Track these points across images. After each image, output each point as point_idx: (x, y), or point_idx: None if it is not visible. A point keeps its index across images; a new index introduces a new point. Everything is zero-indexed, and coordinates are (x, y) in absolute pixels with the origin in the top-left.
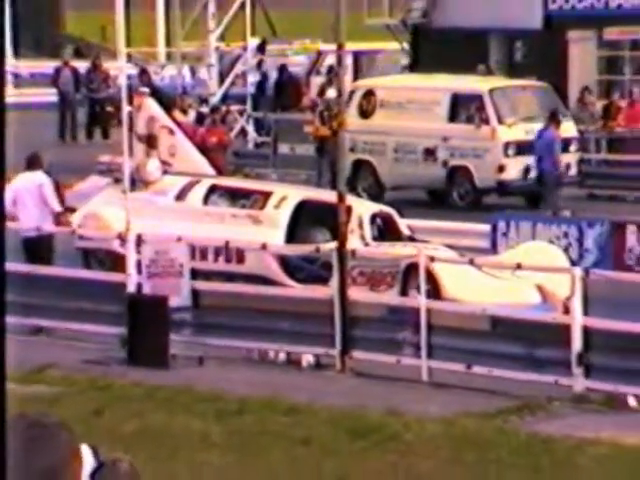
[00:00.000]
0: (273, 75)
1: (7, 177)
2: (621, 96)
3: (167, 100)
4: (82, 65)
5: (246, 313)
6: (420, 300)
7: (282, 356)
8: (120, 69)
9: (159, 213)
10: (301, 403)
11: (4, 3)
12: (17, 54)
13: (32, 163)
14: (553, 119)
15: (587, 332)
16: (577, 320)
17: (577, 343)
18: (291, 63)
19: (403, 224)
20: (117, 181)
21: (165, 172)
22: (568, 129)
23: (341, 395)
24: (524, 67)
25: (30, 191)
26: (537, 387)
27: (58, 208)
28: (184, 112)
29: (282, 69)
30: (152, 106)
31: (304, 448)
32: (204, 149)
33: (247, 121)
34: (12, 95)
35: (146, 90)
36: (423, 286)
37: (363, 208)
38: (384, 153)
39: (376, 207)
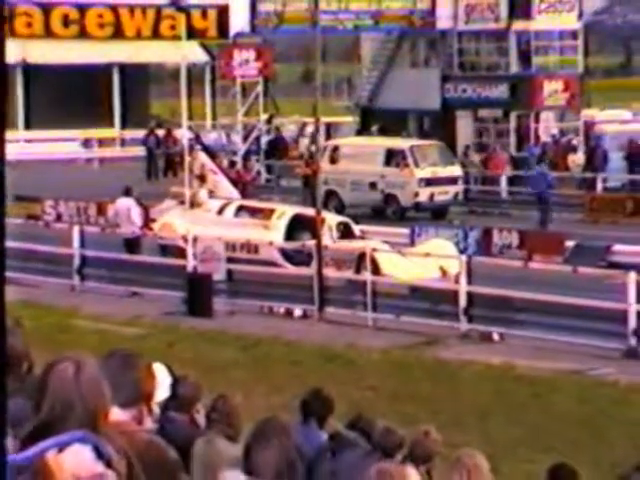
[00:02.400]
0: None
1: (111, 200)
2: (493, 151)
3: (212, 154)
4: (161, 132)
5: (260, 284)
6: (367, 276)
7: (282, 310)
8: (183, 135)
9: (207, 223)
10: (294, 340)
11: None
12: (124, 127)
13: (126, 192)
14: (544, 162)
15: (469, 295)
16: (463, 287)
17: (463, 301)
18: (287, 130)
19: (356, 229)
20: (182, 203)
21: (211, 197)
22: (456, 171)
23: (318, 335)
24: (430, 133)
25: (124, 210)
26: (438, 329)
27: (139, 224)
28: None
29: (281, 134)
30: (202, 157)
31: (296, 368)
32: (243, 182)
33: (261, 166)
34: (120, 152)
35: (199, 147)
36: (369, 267)
37: (332, 219)
38: (345, 185)
39: (340, 218)
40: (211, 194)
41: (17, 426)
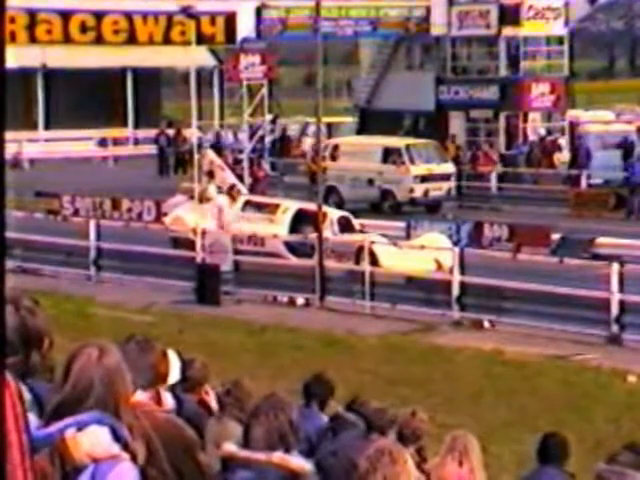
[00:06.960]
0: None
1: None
2: (477, 149)
3: (219, 151)
4: (171, 132)
5: (265, 274)
6: (365, 267)
7: (285, 299)
8: (192, 134)
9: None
10: (297, 326)
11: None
12: (137, 126)
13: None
14: None
15: (462, 285)
16: (456, 278)
17: (456, 291)
18: (290, 129)
19: (356, 222)
20: (191, 198)
21: (219, 193)
22: (449, 168)
23: (320, 322)
24: (424, 132)
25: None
26: (432, 316)
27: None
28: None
29: (284, 133)
30: (211, 154)
31: (299, 352)
32: (255, 178)
33: (266, 163)
34: (134, 150)
35: (207, 145)
36: (367, 258)
37: (333, 213)
38: (344, 181)
39: (340, 213)
40: (219, 190)
41: (40, 407)
